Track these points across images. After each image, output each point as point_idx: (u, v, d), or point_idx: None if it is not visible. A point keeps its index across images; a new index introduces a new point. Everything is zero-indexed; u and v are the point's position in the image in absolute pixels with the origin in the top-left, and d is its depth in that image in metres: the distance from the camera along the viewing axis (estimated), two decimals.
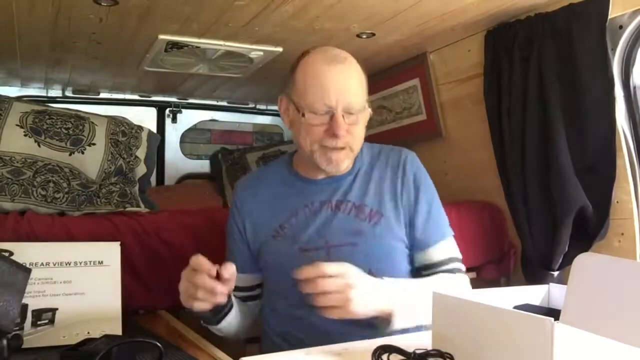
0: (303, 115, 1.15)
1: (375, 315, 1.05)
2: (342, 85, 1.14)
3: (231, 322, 1.19)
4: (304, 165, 1.27)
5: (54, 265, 1.15)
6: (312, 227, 1.20)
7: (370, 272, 1.13)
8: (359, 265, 1.05)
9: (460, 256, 1.26)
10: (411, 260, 1.24)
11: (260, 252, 1.25)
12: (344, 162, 1.19)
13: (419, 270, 1.23)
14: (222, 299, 1.05)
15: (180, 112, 3.03)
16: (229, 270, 1.02)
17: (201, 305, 1.04)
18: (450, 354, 0.83)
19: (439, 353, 0.85)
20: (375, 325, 1.09)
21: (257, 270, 1.28)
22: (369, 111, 1.21)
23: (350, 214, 1.21)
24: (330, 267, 0.99)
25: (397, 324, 1.07)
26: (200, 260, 1.01)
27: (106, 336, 0.94)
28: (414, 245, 1.23)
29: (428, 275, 1.22)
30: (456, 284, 1.21)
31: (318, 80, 1.14)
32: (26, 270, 1.02)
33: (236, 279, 1.10)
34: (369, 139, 1.36)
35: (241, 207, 1.27)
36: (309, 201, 1.23)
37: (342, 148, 1.16)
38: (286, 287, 1.12)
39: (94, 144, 1.76)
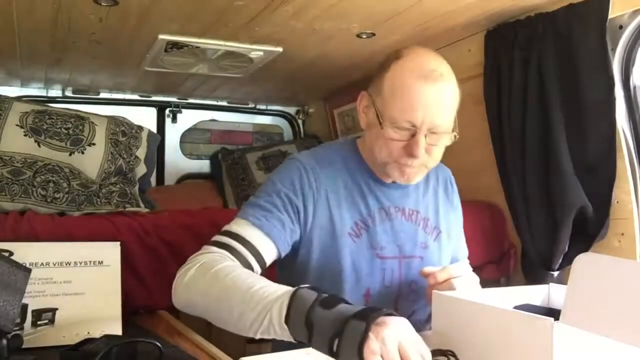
0: (383, 126, 1.08)
1: None
2: (433, 106, 1.05)
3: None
4: (373, 163, 1.19)
5: (54, 265, 1.15)
6: (389, 233, 1.17)
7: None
8: (423, 279, 1.10)
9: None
10: None
11: (321, 244, 1.12)
12: (416, 177, 1.15)
13: None
14: None
15: (180, 112, 3.03)
16: None
17: None
18: (452, 351, 0.83)
19: (440, 351, 0.85)
20: None
21: (284, 250, 1.10)
22: (454, 135, 1.13)
23: (419, 226, 1.21)
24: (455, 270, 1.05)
25: None
26: None
27: (106, 336, 0.94)
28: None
29: None
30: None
31: (407, 96, 1.05)
32: (26, 270, 1.02)
33: (269, 257, 1.03)
34: None
35: (315, 183, 1.11)
36: (385, 205, 1.18)
37: (416, 165, 1.11)
38: (344, 289, 1.11)
39: (94, 144, 1.76)
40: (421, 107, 1.04)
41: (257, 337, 0.85)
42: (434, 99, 1.05)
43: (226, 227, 1.08)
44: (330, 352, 0.74)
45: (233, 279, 0.90)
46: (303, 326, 0.77)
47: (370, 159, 1.19)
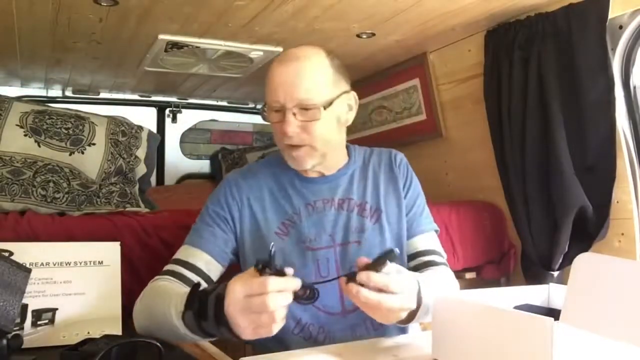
0: (269, 115, 1.16)
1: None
2: (291, 81, 1.11)
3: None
4: None
5: (54, 265, 1.15)
6: (317, 225, 1.19)
7: None
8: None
9: (442, 250, 1.27)
10: None
11: (253, 247, 1.18)
12: (306, 160, 1.16)
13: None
14: None
15: (180, 112, 3.04)
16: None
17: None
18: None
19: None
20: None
21: (227, 263, 1.20)
22: (343, 100, 1.17)
23: (353, 212, 1.21)
24: (376, 279, 0.89)
25: (417, 318, 1.02)
26: (286, 280, 0.84)
27: (106, 336, 0.94)
28: (408, 235, 1.25)
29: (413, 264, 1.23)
30: (447, 280, 1.19)
31: (270, 79, 1.14)
32: (26, 270, 1.02)
33: (209, 268, 1.12)
34: (369, 138, 1.37)
35: (237, 194, 1.20)
36: (311, 200, 1.22)
37: (301, 146, 1.14)
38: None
39: (94, 144, 1.76)
40: (280, 85, 1.11)
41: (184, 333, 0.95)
42: (291, 75, 1.11)
43: (174, 256, 1.19)
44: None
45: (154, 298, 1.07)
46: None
47: None
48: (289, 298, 0.84)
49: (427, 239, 1.26)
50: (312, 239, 1.18)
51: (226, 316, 0.85)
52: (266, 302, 0.81)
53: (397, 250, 0.92)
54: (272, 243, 0.87)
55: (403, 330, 1.17)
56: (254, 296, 0.82)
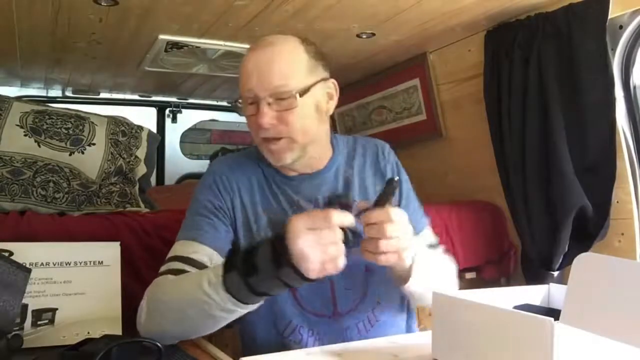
0: (243, 108, 1.09)
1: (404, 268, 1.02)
2: (264, 67, 1.04)
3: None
4: None
5: (54, 265, 1.15)
6: None
7: (365, 267, 1.13)
8: (352, 262, 1.00)
9: (437, 240, 1.26)
10: None
11: (245, 241, 1.14)
12: (285, 154, 1.08)
13: None
14: None
15: (180, 112, 3.04)
16: None
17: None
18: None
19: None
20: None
21: (225, 251, 1.13)
22: (321, 88, 1.11)
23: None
24: (394, 213, 0.93)
25: (412, 283, 1.04)
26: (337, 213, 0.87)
27: (106, 336, 0.94)
28: None
29: None
30: (448, 263, 1.21)
31: (244, 67, 1.07)
32: (26, 270, 1.03)
33: (213, 263, 1.04)
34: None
35: (228, 183, 1.14)
36: (294, 200, 1.15)
37: (279, 139, 1.07)
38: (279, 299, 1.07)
39: (94, 144, 1.76)
40: (253, 73, 1.04)
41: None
42: (264, 61, 1.05)
43: (169, 254, 1.10)
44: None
45: (171, 292, 1.00)
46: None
47: None
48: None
49: (425, 236, 1.23)
50: None
51: (290, 255, 0.84)
52: (335, 234, 0.84)
53: (396, 177, 0.95)
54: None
55: (396, 332, 1.16)
56: (321, 229, 0.84)
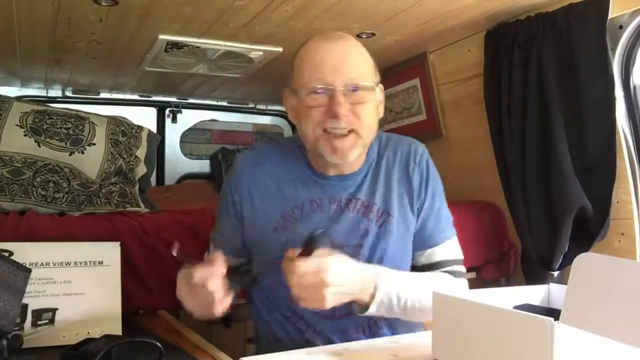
0: (301, 98, 1.05)
1: (350, 301, 1.01)
2: (340, 58, 1.03)
3: None
4: (314, 158, 1.15)
5: (54, 265, 1.15)
6: (317, 225, 1.09)
7: None
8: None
9: (462, 257, 1.21)
10: (412, 257, 1.19)
11: (256, 243, 1.16)
12: (350, 151, 1.06)
13: (419, 269, 1.19)
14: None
15: (180, 112, 3.03)
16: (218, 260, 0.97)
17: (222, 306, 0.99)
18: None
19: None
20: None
21: (245, 252, 1.20)
22: (379, 91, 1.10)
23: (358, 214, 1.13)
24: (307, 265, 0.94)
25: (374, 310, 1.03)
26: (213, 269, 0.95)
27: (106, 336, 0.94)
28: (418, 244, 1.17)
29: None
30: (454, 286, 1.15)
31: (313, 57, 1.04)
32: (26, 270, 1.03)
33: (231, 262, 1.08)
34: None
35: (240, 187, 1.15)
36: (316, 197, 1.13)
37: (347, 134, 1.04)
38: (284, 281, 1.05)
39: (94, 144, 1.76)
40: (329, 62, 1.02)
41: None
42: (340, 52, 1.04)
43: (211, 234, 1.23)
44: None
45: None
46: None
47: (312, 153, 1.14)
48: (218, 282, 0.95)
49: (447, 248, 1.18)
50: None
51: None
52: (198, 288, 0.95)
53: (319, 231, 0.96)
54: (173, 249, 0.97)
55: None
56: (191, 284, 0.96)
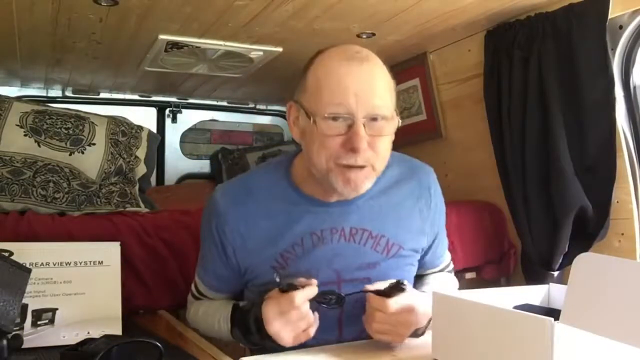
0: (315, 122, 0.94)
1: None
2: (366, 84, 0.93)
3: None
4: (311, 184, 1.05)
5: (54, 265, 1.15)
6: (322, 259, 1.04)
7: None
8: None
9: (451, 259, 1.29)
10: None
11: (254, 282, 1.08)
12: (364, 184, 0.98)
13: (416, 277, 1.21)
14: None
15: (180, 112, 3.03)
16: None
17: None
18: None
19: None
20: None
21: (236, 291, 1.16)
22: (397, 121, 0.99)
23: (366, 245, 1.06)
24: (398, 304, 0.95)
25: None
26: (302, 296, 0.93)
27: (106, 336, 0.94)
28: (422, 264, 1.19)
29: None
30: (454, 282, 1.25)
31: (334, 79, 0.93)
32: (26, 270, 1.02)
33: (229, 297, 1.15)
34: None
35: (228, 230, 1.05)
36: (317, 229, 1.05)
37: (363, 166, 0.96)
38: (325, 330, 1.03)
39: (94, 144, 1.76)
40: (352, 88, 0.92)
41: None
42: (365, 78, 0.94)
43: (193, 283, 1.20)
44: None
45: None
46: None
47: (306, 179, 1.05)
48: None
49: (442, 265, 1.25)
50: (313, 274, 1.00)
51: (268, 333, 0.95)
52: (301, 312, 0.93)
53: (406, 282, 0.99)
54: (275, 274, 0.99)
55: None
56: (287, 312, 0.93)
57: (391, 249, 1.08)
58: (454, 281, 1.26)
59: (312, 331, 0.95)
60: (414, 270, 1.16)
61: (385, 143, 0.99)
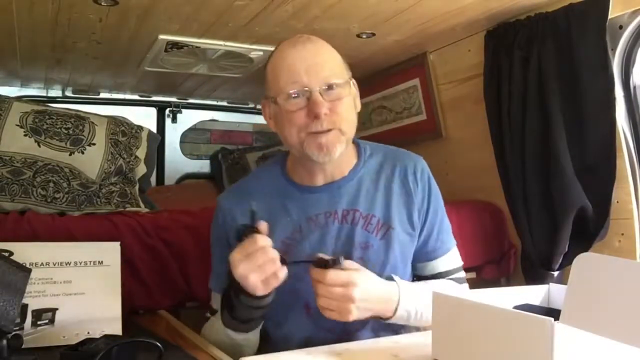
0: (279, 105, 1.07)
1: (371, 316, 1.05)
2: (311, 59, 1.05)
3: (256, 334, 1.11)
4: (299, 171, 1.16)
5: (54, 265, 1.15)
6: (320, 242, 1.12)
7: None
8: None
9: (462, 263, 1.25)
10: (413, 268, 1.21)
11: None
12: (335, 147, 1.06)
13: (423, 279, 1.20)
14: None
15: (180, 112, 3.04)
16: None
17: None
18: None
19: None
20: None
21: None
22: (354, 87, 1.12)
23: (358, 225, 1.13)
24: (337, 277, 0.97)
25: (396, 321, 1.07)
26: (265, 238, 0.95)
27: (106, 336, 0.94)
28: (421, 257, 1.19)
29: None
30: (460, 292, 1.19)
31: (285, 63, 1.07)
32: (26, 270, 1.02)
33: None
34: (369, 138, 1.35)
35: (233, 222, 1.13)
36: (313, 214, 1.13)
37: (330, 130, 1.05)
38: (286, 303, 1.08)
39: (94, 144, 1.76)
40: (302, 65, 1.05)
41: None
42: (311, 54, 1.06)
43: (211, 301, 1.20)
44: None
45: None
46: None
47: (296, 168, 1.17)
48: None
49: (449, 258, 1.21)
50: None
51: (238, 283, 0.94)
52: (267, 254, 0.93)
53: (342, 258, 0.99)
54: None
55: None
56: (253, 253, 0.93)
57: (381, 229, 1.13)
58: (463, 289, 1.22)
59: (281, 275, 0.94)
60: (408, 254, 1.17)
61: (346, 105, 1.08)
